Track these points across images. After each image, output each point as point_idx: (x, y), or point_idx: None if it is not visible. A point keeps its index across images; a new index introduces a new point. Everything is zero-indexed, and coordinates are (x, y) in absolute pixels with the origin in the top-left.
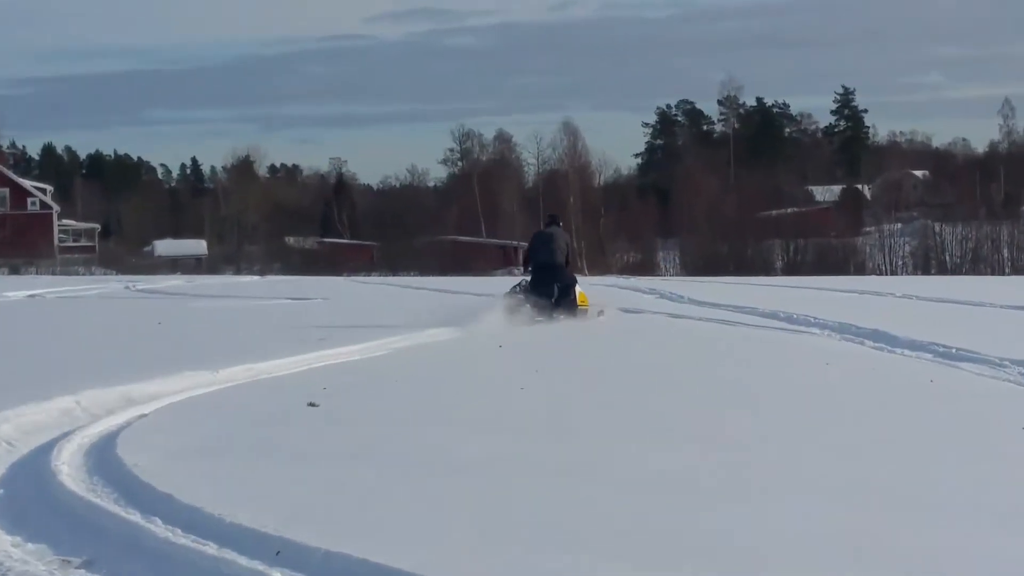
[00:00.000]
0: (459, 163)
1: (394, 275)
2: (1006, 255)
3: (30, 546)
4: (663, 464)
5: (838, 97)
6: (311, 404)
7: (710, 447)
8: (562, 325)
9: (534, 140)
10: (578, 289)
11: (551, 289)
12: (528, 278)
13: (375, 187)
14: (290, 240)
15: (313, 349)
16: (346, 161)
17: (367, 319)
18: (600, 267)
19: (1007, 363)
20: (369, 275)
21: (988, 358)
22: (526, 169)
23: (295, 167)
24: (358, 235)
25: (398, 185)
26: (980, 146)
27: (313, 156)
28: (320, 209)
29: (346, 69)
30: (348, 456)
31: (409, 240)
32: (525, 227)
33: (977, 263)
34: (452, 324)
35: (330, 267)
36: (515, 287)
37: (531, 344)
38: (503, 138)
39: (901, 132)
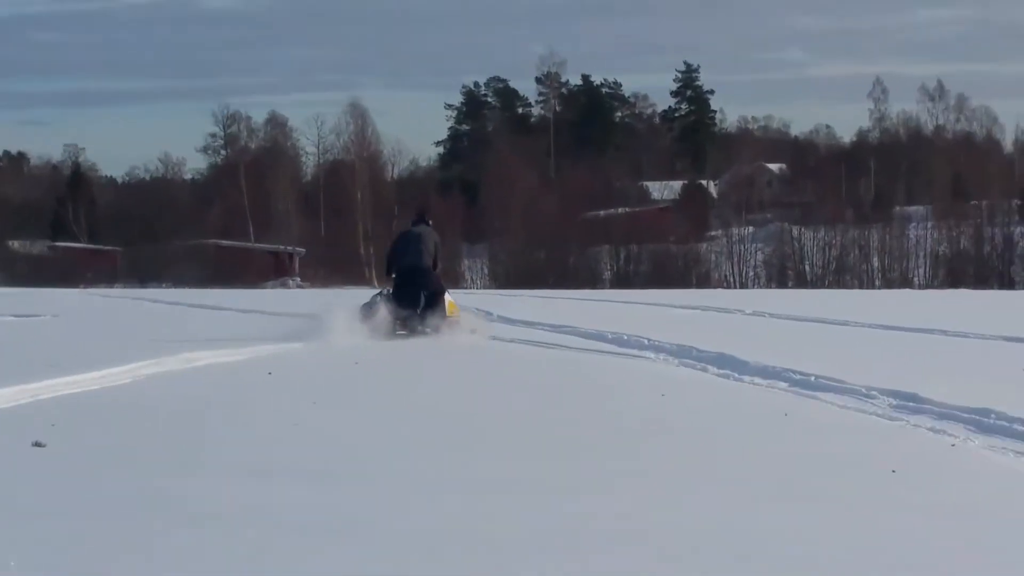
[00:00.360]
0: (223, 152)
1: (143, 286)
2: (876, 264)
3: None
4: (442, 521)
5: (679, 76)
6: (36, 444)
7: (510, 501)
8: (336, 349)
9: (314, 124)
10: (448, 298)
11: (417, 297)
12: (390, 288)
13: (120, 180)
14: (14, 244)
15: (41, 377)
16: (84, 149)
17: (107, 340)
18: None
19: (875, 393)
20: (112, 286)
21: (853, 387)
22: (304, 159)
23: (20, 155)
24: (98, 238)
25: (148, 178)
26: (846, 135)
27: (43, 142)
28: (52, 207)
29: (83, 36)
30: (82, 507)
31: (161, 245)
32: (303, 229)
33: (842, 274)
34: (233, 345)
35: (64, 277)
36: (376, 295)
37: (305, 371)
38: (276, 122)
39: (754, 118)
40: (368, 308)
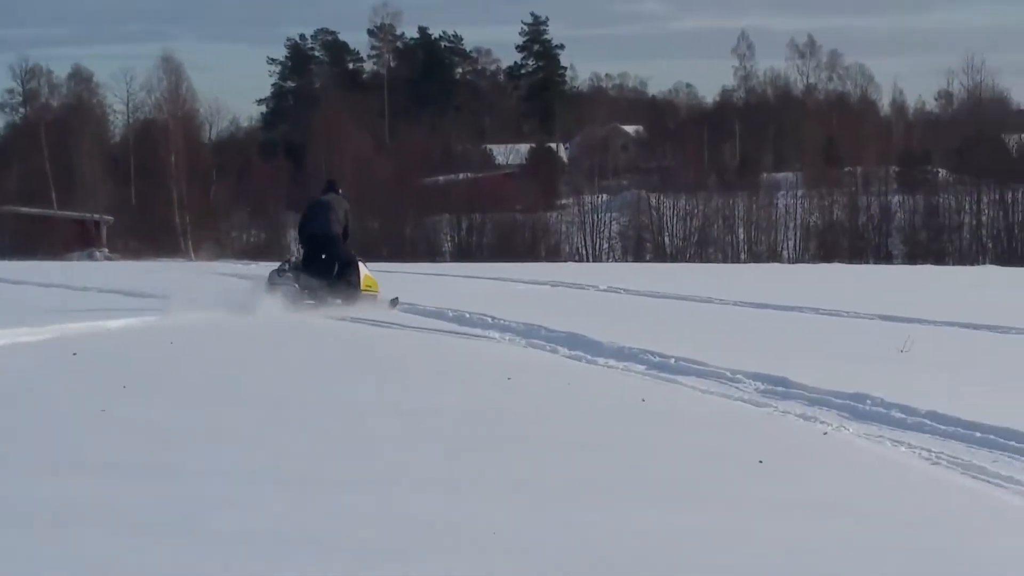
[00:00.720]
0: (21, 110)
1: None
2: (742, 236)
3: None
4: (267, 520)
5: (526, 29)
6: None
7: (317, 494)
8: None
9: (123, 80)
10: (364, 271)
11: (327, 267)
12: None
13: None
14: None
15: None
16: None
17: None
18: (212, 249)
19: (741, 377)
20: None
21: (717, 371)
22: (112, 118)
23: None
24: None
25: None
26: (709, 95)
27: None
28: None
29: None
30: None
31: None
32: (111, 195)
33: (705, 246)
34: (34, 323)
35: None
36: (282, 265)
37: (116, 352)
38: (81, 76)
39: (608, 75)
40: (275, 277)
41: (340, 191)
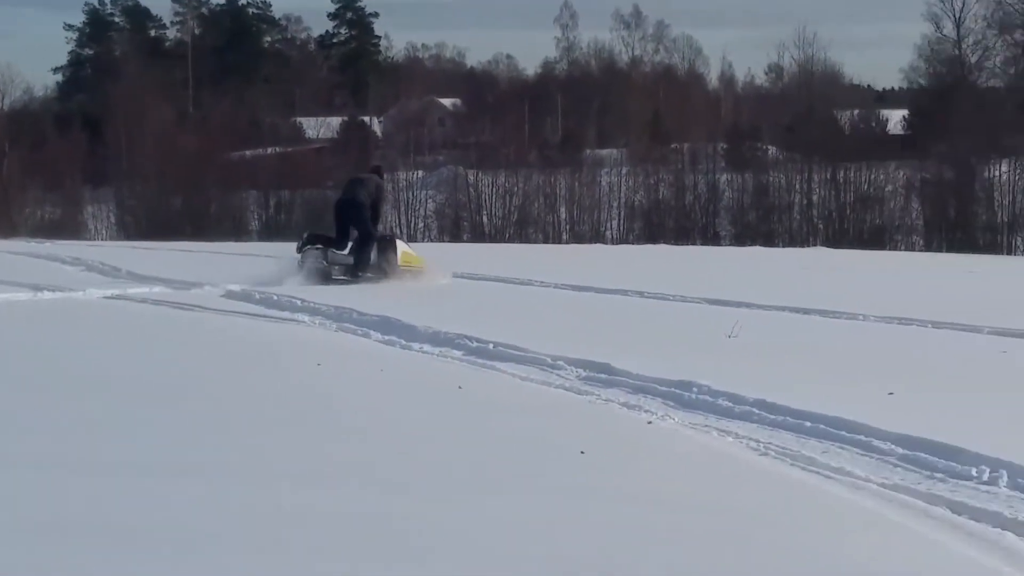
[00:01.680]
0: None
1: None
2: (564, 216)
3: None
4: (78, 510)
5: None
6: None
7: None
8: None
9: None
10: (403, 247)
11: (342, 232)
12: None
13: None
14: None
15: None
16: None
17: None
18: (4, 226)
19: (562, 363)
20: None
21: (537, 357)
22: None
23: None
24: None
25: None
26: (530, 67)
27: None
28: None
29: None
30: None
31: None
32: None
33: (525, 226)
34: None
35: None
36: (307, 238)
37: None
38: None
39: (424, 46)
40: (302, 253)
41: (382, 175)
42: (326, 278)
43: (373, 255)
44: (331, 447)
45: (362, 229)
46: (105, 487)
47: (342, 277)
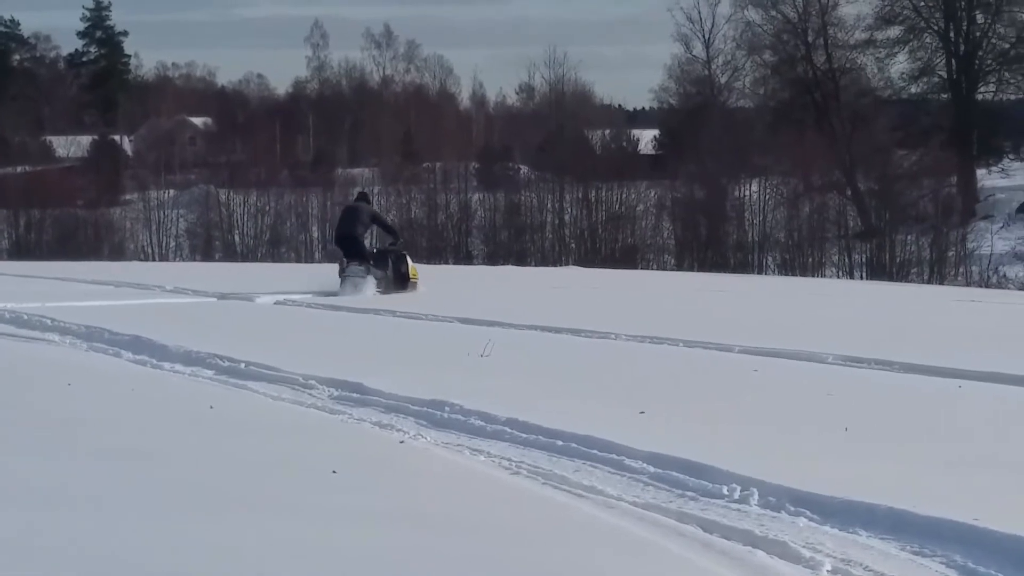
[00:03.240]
0: None
1: None
2: (316, 234)
3: None
4: None
5: (87, 14)
6: None
7: None
8: None
9: None
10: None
11: (381, 260)
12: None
13: None
14: None
15: None
16: None
17: None
18: None
19: (314, 383)
20: None
21: (289, 376)
22: None
23: None
24: None
25: None
26: (281, 86)
27: None
28: None
29: None
30: None
31: None
32: None
33: (278, 245)
34: None
35: None
36: (350, 260)
37: None
38: None
39: (175, 64)
40: (351, 269)
41: (369, 201)
42: (366, 291)
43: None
44: (73, 469)
45: (365, 255)
46: None
47: (380, 290)
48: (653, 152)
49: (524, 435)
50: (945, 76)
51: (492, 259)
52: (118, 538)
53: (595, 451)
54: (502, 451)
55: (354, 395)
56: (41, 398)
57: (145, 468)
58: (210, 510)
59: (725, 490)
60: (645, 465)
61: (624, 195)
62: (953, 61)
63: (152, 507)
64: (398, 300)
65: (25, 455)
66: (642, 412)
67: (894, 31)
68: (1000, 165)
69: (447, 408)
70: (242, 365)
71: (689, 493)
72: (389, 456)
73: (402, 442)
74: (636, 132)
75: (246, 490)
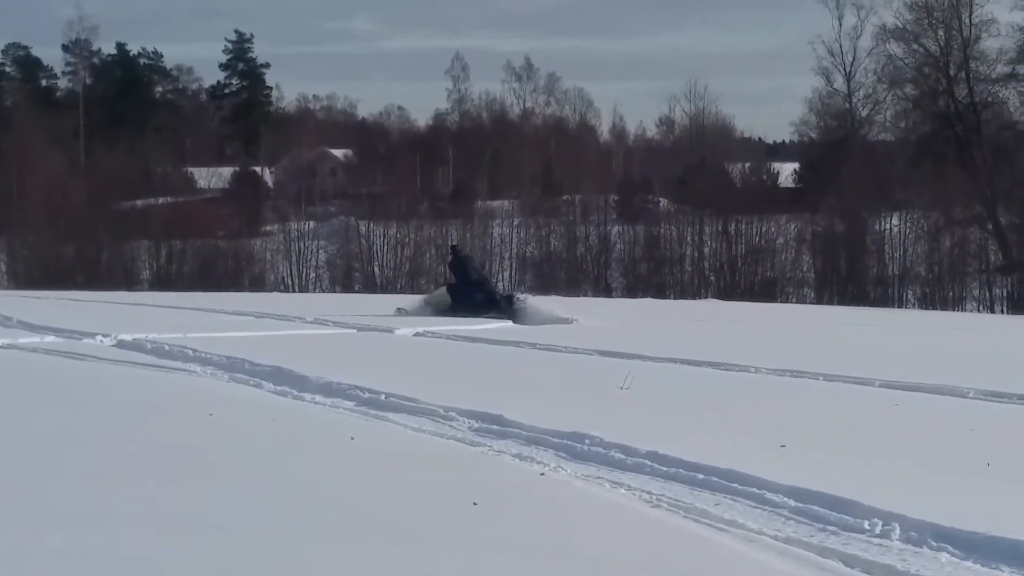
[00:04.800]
0: None
1: None
2: None
3: None
4: None
5: (229, 47)
6: None
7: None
8: None
9: None
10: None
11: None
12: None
13: None
14: None
15: None
16: None
17: None
18: None
19: (455, 415)
20: None
21: (429, 408)
22: None
23: None
24: None
25: None
26: (422, 118)
27: None
28: None
29: None
30: None
31: None
32: None
33: (417, 277)
34: None
35: None
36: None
37: None
38: None
39: (316, 96)
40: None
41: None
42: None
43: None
44: (219, 498)
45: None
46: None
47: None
48: (793, 185)
49: (665, 468)
50: None
51: (631, 291)
52: (254, 565)
53: (736, 484)
54: (643, 484)
55: (494, 427)
56: (183, 428)
57: (285, 498)
58: (351, 540)
59: (867, 524)
60: (786, 499)
61: (764, 228)
62: None
63: (292, 536)
64: (538, 333)
65: (166, 483)
66: (783, 445)
67: None
68: None
69: (587, 441)
70: (382, 396)
71: (830, 527)
72: (529, 488)
73: (543, 474)
74: (776, 165)
75: (387, 520)
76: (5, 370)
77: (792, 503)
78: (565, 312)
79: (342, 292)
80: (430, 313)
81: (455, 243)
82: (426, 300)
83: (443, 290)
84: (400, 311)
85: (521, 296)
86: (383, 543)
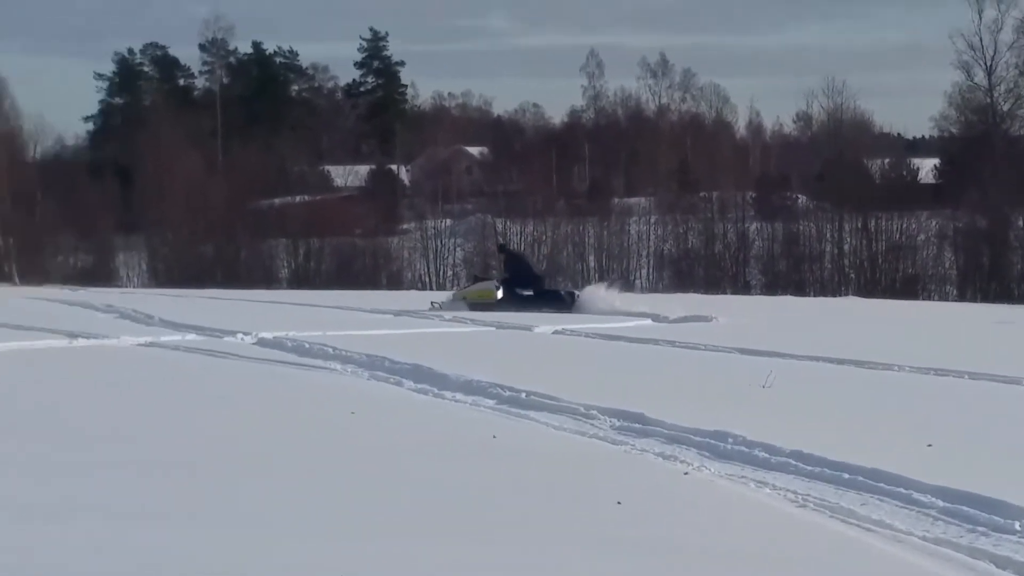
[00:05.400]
0: None
1: None
2: (593, 264)
3: None
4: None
5: (364, 45)
6: None
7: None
8: None
9: None
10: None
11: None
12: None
13: None
14: None
15: None
16: None
17: None
18: (37, 274)
19: (596, 413)
20: None
21: (571, 406)
22: None
23: None
24: None
25: None
26: (557, 115)
27: None
28: None
29: None
30: None
31: None
32: None
33: (554, 274)
34: None
35: None
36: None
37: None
38: None
39: (451, 94)
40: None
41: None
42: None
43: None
44: (365, 498)
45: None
46: (78, 531)
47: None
48: (934, 181)
49: (809, 467)
50: None
51: (770, 289)
52: (400, 566)
53: (882, 484)
54: (787, 483)
55: (636, 425)
56: (326, 427)
57: (428, 497)
58: (494, 538)
59: (1018, 525)
60: (934, 499)
61: (904, 225)
62: None
63: (435, 535)
64: (677, 331)
65: (309, 481)
66: (929, 445)
67: None
68: None
69: (730, 439)
70: (523, 395)
71: (980, 528)
72: (673, 487)
73: (686, 473)
74: (916, 161)
75: (531, 519)
76: (148, 368)
77: (940, 503)
78: (624, 303)
79: None
80: (465, 308)
81: (503, 241)
82: (458, 295)
83: (483, 285)
84: (434, 305)
85: (578, 292)
86: (527, 543)
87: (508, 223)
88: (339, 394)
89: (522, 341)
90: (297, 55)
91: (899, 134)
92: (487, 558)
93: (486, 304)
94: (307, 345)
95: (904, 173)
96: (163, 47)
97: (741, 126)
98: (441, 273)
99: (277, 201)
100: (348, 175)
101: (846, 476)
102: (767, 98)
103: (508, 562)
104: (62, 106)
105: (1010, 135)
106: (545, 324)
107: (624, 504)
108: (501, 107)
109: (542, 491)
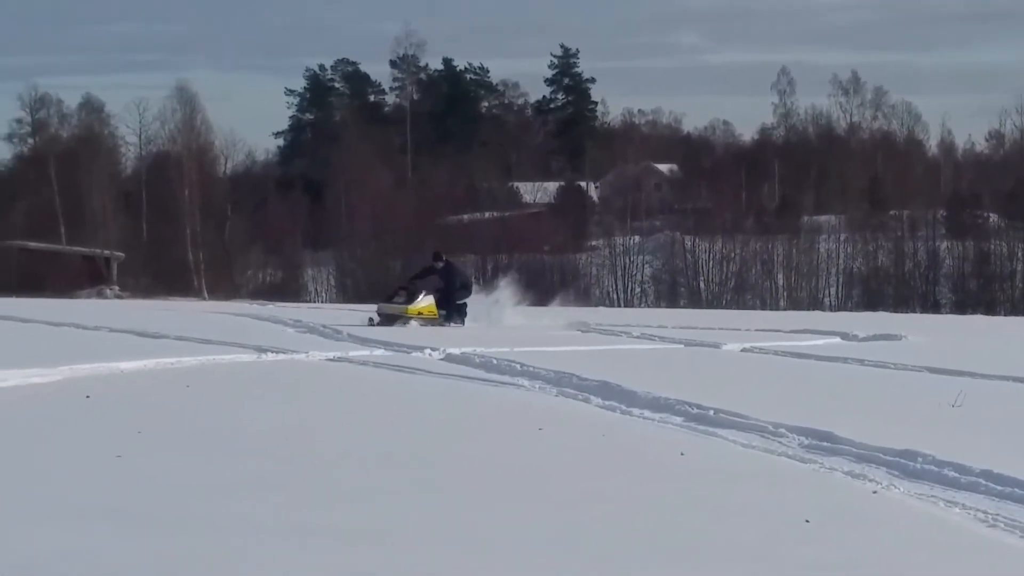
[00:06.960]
0: (30, 140)
1: None
2: (781, 282)
3: None
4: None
5: (555, 62)
6: None
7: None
8: None
9: (135, 110)
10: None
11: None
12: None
13: None
14: None
15: None
16: None
17: None
18: (226, 288)
19: (784, 431)
20: None
21: (758, 424)
22: (124, 150)
23: None
24: None
25: None
26: (747, 132)
27: None
28: None
29: None
30: None
31: None
32: (122, 230)
33: (742, 292)
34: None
35: None
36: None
37: (130, 394)
38: (92, 106)
39: (640, 111)
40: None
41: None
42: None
43: None
44: (554, 517)
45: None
46: (302, 548)
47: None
48: None
49: (1000, 487)
50: None
51: (960, 308)
52: None
53: None
54: (977, 503)
55: (824, 444)
56: (514, 443)
57: (616, 516)
58: (684, 559)
59: None
60: None
61: None
62: None
63: (624, 555)
64: (865, 350)
65: (502, 501)
66: None
67: None
68: None
69: (920, 459)
70: (711, 412)
71: None
72: (862, 506)
73: (875, 492)
74: None
75: (716, 538)
76: (340, 383)
77: None
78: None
79: (667, 307)
80: (399, 324)
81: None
82: (396, 310)
83: (427, 299)
84: (372, 322)
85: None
86: (715, 563)
87: (697, 240)
88: (527, 410)
89: (710, 358)
90: (488, 71)
91: None
92: None
93: (434, 321)
94: (495, 361)
95: None
96: (354, 63)
97: (933, 144)
98: (629, 289)
99: (466, 217)
100: (537, 191)
101: None
102: (959, 116)
103: None
104: (253, 122)
105: None
106: (733, 342)
107: (812, 523)
108: (691, 124)
109: (730, 510)
